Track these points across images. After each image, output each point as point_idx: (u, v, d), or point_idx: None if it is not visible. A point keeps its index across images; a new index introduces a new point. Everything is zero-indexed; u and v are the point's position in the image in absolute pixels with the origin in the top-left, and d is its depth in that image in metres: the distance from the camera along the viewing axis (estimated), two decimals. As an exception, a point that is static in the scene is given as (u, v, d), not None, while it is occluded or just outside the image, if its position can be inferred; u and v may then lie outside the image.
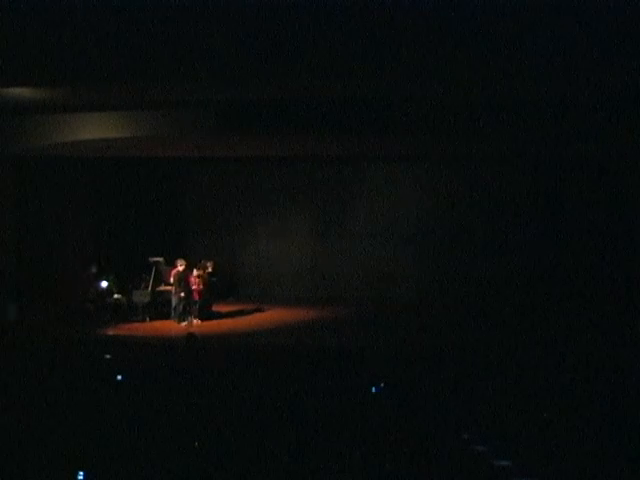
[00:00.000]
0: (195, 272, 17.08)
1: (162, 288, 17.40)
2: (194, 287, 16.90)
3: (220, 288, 18.63)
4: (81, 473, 6.38)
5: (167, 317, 17.04)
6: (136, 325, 16.70)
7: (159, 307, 17.37)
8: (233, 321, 17.54)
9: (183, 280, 16.78)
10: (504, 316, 17.62)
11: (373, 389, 9.42)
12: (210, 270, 17.55)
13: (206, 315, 17.19)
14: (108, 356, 12.19)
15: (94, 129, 14.52)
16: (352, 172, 21.34)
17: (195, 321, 16.79)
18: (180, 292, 16.71)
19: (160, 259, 17.64)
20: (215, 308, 17.94)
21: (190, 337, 14.67)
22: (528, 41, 9.21)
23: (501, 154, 19.01)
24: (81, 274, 18.12)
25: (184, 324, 16.57)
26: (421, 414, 8.45)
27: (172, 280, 16.91)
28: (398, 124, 13.97)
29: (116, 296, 17.41)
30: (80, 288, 18.28)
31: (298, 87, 11.99)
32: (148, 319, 17.05)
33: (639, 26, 8.76)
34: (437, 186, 20.93)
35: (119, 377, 9.95)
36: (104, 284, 17.42)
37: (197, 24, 8.93)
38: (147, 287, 17.18)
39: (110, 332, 15.90)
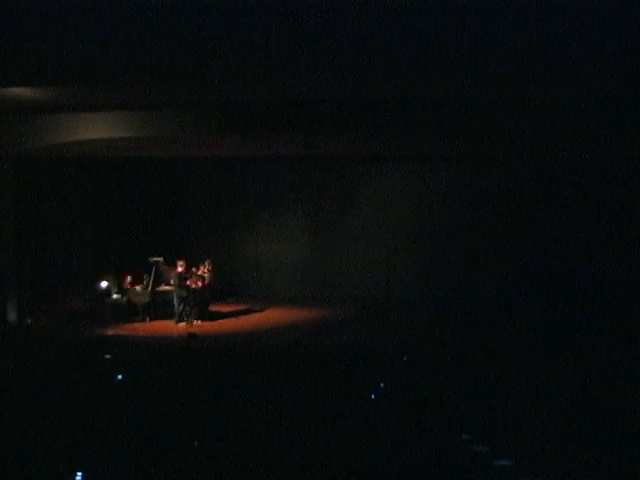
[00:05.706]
0: (195, 272, 17.08)
1: (162, 288, 17.40)
2: (194, 287, 16.90)
3: (219, 288, 18.59)
4: (79, 474, 6.38)
5: (167, 317, 17.04)
6: (136, 325, 16.70)
7: (159, 307, 17.37)
8: (233, 321, 17.52)
9: (183, 280, 16.79)
10: (504, 316, 17.61)
11: (373, 390, 9.42)
12: (208, 270, 17.53)
13: (206, 315, 17.19)
14: (108, 356, 12.20)
15: (94, 129, 14.50)
16: (352, 172, 21.35)
17: (195, 321, 16.78)
18: (181, 292, 16.71)
19: (160, 259, 17.63)
20: (215, 308, 17.94)
21: (191, 337, 14.71)
22: (529, 41, 9.22)
23: (501, 154, 19.00)
24: (81, 274, 18.09)
25: (184, 324, 16.57)
26: (421, 414, 8.44)
27: (172, 280, 16.92)
28: (398, 124, 13.97)
29: (116, 296, 17.40)
30: (80, 288, 18.30)
31: (298, 87, 12.00)
32: (148, 319, 17.05)
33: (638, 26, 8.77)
34: (437, 186, 20.93)
35: (119, 377, 9.96)
36: (104, 284, 17.41)
37: (198, 25, 8.93)
38: (147, 287, 17.18)
39: (110, 332, 15.89)
